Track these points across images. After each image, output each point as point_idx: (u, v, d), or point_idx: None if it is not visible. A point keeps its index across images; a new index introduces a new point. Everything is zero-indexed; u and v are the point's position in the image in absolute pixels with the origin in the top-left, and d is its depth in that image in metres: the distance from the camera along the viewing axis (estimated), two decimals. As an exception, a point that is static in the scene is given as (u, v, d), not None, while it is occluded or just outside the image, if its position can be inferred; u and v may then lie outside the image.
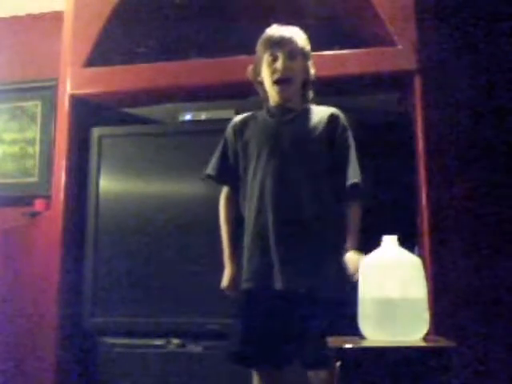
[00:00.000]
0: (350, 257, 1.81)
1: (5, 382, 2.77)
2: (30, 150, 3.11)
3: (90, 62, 2.83)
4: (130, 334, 2.62)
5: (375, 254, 1.79)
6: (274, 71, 1.99)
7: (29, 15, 3.25)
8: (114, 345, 2.62)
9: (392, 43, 2.57)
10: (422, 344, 1.58)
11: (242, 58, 2.67)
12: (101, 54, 2.84)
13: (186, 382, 2.52)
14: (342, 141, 1.97)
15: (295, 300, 1.86)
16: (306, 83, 2.05)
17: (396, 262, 1.67)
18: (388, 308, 1.62)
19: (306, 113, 2.03)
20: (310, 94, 2.07)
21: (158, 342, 2.59)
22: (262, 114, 2.08)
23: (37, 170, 3.08)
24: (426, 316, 1.63)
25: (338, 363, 1.54)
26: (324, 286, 1.86)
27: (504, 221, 2.49)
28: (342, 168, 1.95)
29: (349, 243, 1.87)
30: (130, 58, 2.88)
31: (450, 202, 2.50)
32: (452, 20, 2.62)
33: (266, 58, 2.01)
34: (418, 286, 1.67)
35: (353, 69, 2.59)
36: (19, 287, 2.86)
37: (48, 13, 3.18)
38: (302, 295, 1.86)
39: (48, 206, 2.90)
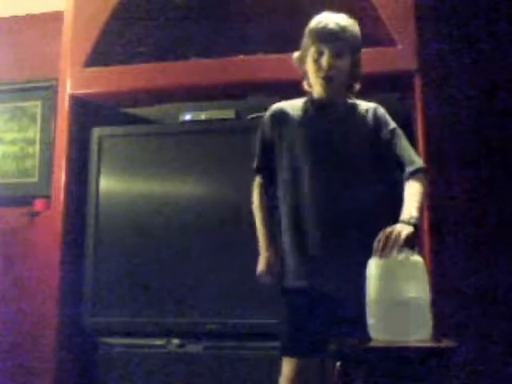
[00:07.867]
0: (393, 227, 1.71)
1: (5, 382, 2.77)
2: (30, 150, 3.10)
3: (90, 62, 2.83)
4: (130, 334, 2.62)
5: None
6: (318, 68, 1.91)
7: (29, 15, 3.25)
8: (113, 345, 2.62)
9: (392, 43, 2.57)
10: (422, 344, 1.58)
11: (242, 57, 2.68)
12: (101, 54, 2.84)
13: (185, 382, 2.51)
14: (389, 135, 1.94)
15: (335, 297, 1.83)
16: (352, 79, 1.98)
17: (401, 262, 1.67)
18: (394, 308, 1.62)
19: (351, 109, 1.99)
20: (355, 89, 2.01)
21: (158, 341, 2.59)
22: (304, 105, 2.01)
23: (37, 170, 3.07)
24: (430, 316, 1.64)
25: (338, 363, 1.54)
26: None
27: (504, 221, 2.50)
28: (397, 157, 1.91)
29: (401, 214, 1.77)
30: (129, 58, 2.88)
31: (450, 202, 2.50)
32: (452, 20, 2.62)
33: (311, 51, 1.93)
34: (423, 287, 1.67)
35: (353, 69, 2.58)
36: (19, 287, 2.87)
37: (48, 13, 3.17)
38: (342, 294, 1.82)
39: (48, 206, 2.90)
